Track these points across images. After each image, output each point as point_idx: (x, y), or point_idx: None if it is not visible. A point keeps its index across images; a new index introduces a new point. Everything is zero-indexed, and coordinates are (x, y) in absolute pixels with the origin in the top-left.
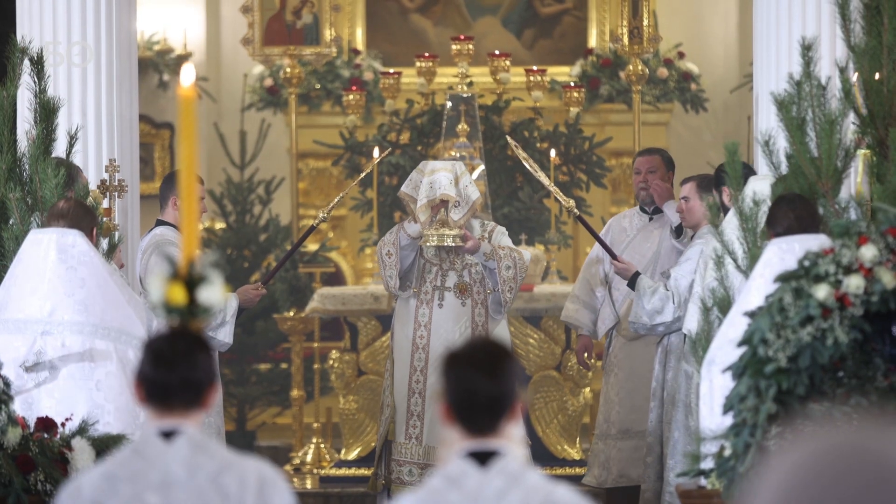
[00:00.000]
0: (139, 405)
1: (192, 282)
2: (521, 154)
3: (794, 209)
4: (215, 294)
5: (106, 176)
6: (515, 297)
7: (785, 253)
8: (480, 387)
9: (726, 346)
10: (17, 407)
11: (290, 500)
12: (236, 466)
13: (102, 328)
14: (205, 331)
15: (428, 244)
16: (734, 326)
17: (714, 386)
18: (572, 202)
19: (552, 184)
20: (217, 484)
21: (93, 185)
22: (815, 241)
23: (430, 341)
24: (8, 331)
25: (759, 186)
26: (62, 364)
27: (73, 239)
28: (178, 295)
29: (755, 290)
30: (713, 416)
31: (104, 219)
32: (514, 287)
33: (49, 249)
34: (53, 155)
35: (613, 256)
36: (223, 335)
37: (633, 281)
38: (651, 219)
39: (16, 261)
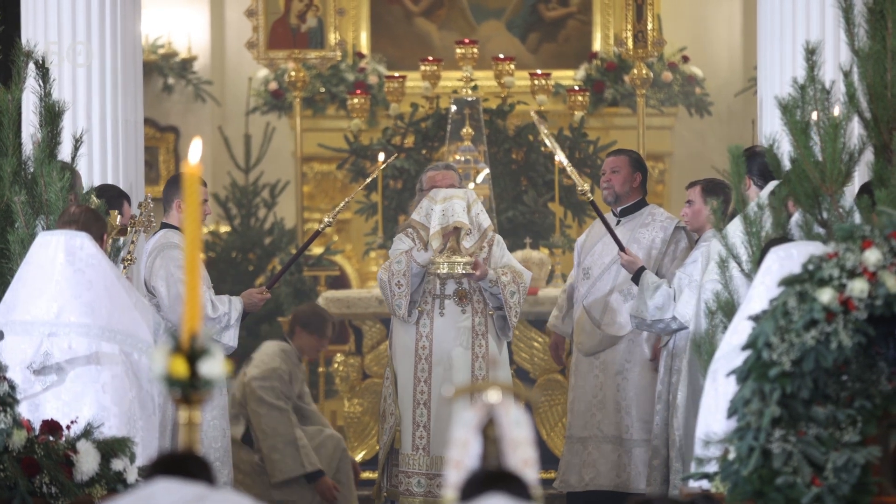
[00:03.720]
0: None
1: (193, 355)
2: (544, 131)
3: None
4: (217, 367)
5: (137, 212)
6: (518, 317)
7: (784, 260)
8: None
9: (731, 353)
10: (24, 409)
11: None
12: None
13: (109, 331)
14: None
15: (439, 272)
16: (738, 334)
17: (719, 394)
18: (587, 185)
19: (570, 164)
20: None
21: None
22: (814, 248)
23: (432, 351)
24: (15, 332)
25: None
26: (69, 366)
27: (82, 241)
28: (180, 368)
29: (756, 298)
30: (718, 422)
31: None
32: (519, 311)
33: (57, 251)
34: (58, 158)
35: (621, 248)
36: (228, 339)
37: (637, 276)
38: (618, 223)
39: (24, 262)
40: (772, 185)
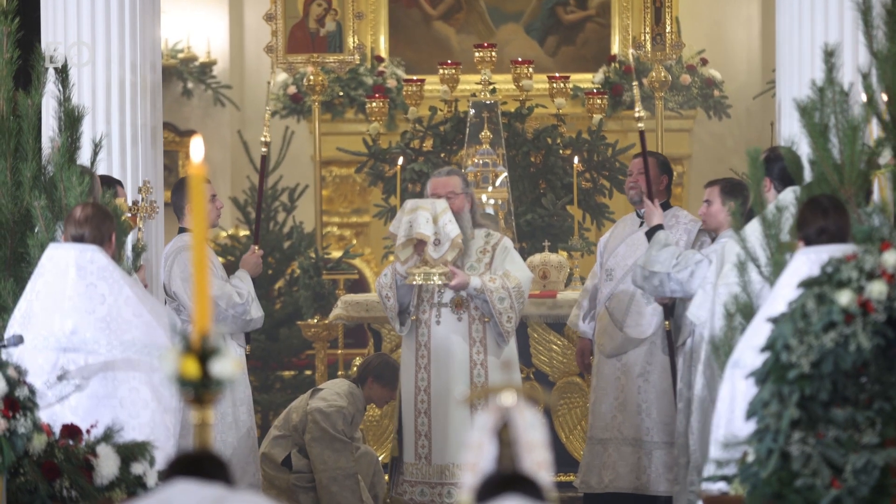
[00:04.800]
0: None
1: (204, 355)
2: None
3: (827, 217)
4: (227, 367)
5: (139, 197)
6: (517, 324)
7: (814, 263)
8: None
9: (749, 351)
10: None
11: None
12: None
13: (125, 343)
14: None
15: (414, 283)
16: (759, 334)
17: (737, 390)
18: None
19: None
20: None
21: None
22: (839, 252)
23: (430, 360)
24: (33, 348)
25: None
26: (85, 382)
27: (92, 255)
28: (191, 369)
29: (781, 299)
30: (733, 420)
31: (125, 220)
32: (514, 316)
33: (68, 266)
34: (78, 163)
35: (650, 197)
36: (255, 311)
37: (652, 231)
38: (642, 223)
39: (36, 274)
40: (790, 189)
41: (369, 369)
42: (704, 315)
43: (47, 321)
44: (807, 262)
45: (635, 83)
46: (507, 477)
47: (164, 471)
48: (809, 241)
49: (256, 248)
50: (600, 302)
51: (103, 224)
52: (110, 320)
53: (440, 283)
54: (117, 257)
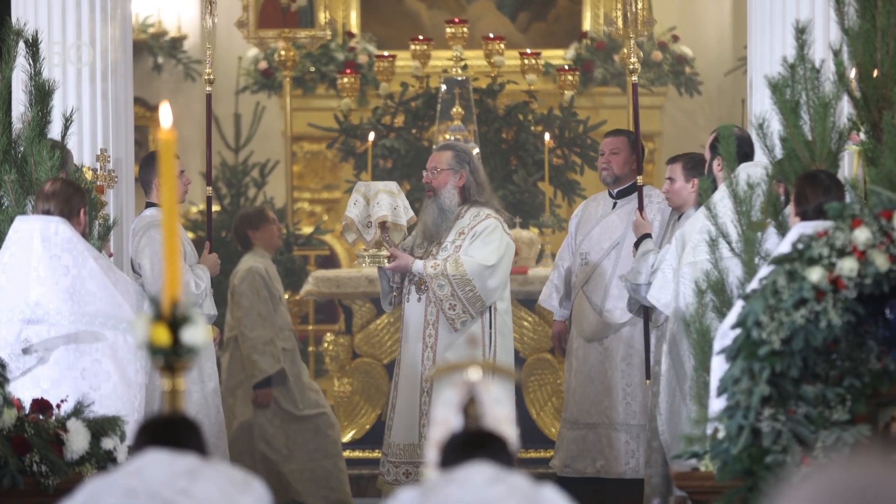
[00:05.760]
0: None
1: (175, 322)
2: None
3: (829, 195)
4: (199, 334)
5: (97, 166)
6: (468, 314)
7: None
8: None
9: (732, 334)
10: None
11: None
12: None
13: (89, 315)
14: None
15: (363, 265)
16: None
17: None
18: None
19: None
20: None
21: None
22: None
23: (403, 335)
24: None
25: (752, 171)
26: (47, 354)
27: (56, 226)
28: (162, 336)
29: None
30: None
31: (96, 195)
32: (457, 304)
33: (33, 238)
34: (49, 137)
35: (640, 208)
36: (208, 308)
37: (639, 241)
38: (615, 205)
39: (3, 247)
40: (743, 166)
41: (243, 226)
42: (666, 297)
43: (13, 293)
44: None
45: (631, 37)
46: (472, 435)
47: (134, 436)
48: (807, 217)
49: (211, 250)
50: (576, 286)
51: (73, 198)
52: (73, 292)
53: (385, 265)
54: (87, 231)
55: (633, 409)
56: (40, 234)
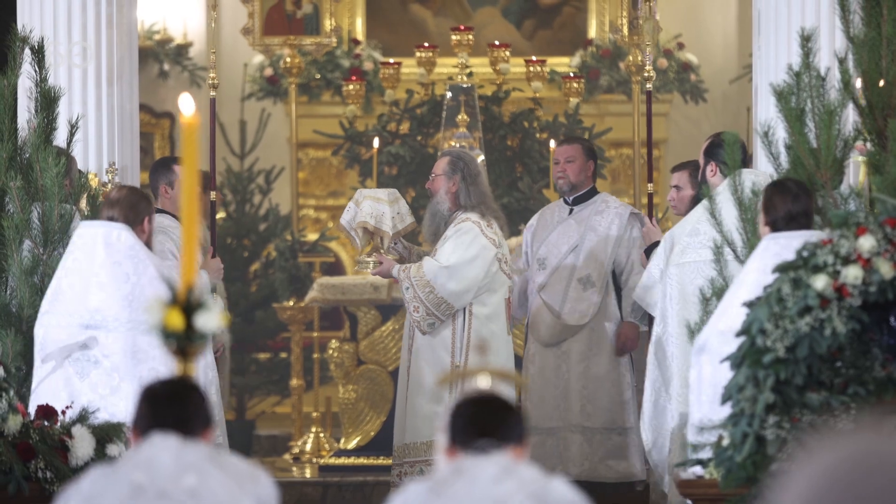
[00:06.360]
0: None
1: (189, 308)
2: None
3: (797, 202)
4: (212, 320)
5: (106, 178)
6: (433, 317)
7: (783, 249)
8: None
9: (717, 336)
10: (64, 400)
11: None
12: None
13: (146, 323)
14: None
15: (368, 271)
16: (726, 316)
17: (703, 375)
18: None
19: None
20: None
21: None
22: (813, 237)
23: (403, 341)
24: (57, 324)
25: (757, 178)
26: (106, 360)
27: (119, 233)
28: (176, 321)
29: (747, 284)
30: (701, 405)
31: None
32: (420, 307)
33: (96, 244)
34: (54, 144)
35: (649, 215)
36: None
37: (650, 249)
38: (571, 211)
39: (67, 252)
40: (745, 172)
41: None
42: (652, 298)
43: (74, 298)
44: (774, 247)
45: (647, 45)
46: (483, 403)
47: (139, 400)
48: (777, 226)
49: (214, 253)
50: (532, 292)
51: (138, 205)
52: (132, 299)
53: (370, 271)
54: (151, 238)
55: (589, 412)
56: (103, 240)
